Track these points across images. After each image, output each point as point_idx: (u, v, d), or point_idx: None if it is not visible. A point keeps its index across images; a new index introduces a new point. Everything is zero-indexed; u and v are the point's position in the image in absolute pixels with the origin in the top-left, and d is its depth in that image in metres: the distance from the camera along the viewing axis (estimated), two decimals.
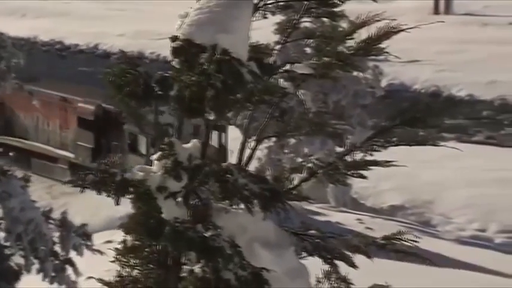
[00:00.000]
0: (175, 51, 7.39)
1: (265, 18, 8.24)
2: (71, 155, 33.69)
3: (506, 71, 48.38)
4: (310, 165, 9.25)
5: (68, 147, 33.98)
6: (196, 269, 7.43)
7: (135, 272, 7.88)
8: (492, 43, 53.74)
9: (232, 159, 29.98)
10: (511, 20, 59.47)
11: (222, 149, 30.94)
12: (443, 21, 59.42)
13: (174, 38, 7.41)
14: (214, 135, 30.10)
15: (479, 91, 47.11)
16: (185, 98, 7.24)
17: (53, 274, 18.48)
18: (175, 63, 7.45)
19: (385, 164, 8.86)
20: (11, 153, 32.63)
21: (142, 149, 30.34)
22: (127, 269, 7.91)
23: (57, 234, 18.81)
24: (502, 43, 53.74)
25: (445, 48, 52.35)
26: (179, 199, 7.51)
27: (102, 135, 32.43)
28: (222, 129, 30.80)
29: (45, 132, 35.01)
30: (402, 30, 8.69)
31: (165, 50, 7.56)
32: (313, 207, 31.88)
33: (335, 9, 8.47)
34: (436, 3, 62.50)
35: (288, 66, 8.48)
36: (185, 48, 7.31)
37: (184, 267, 7.64)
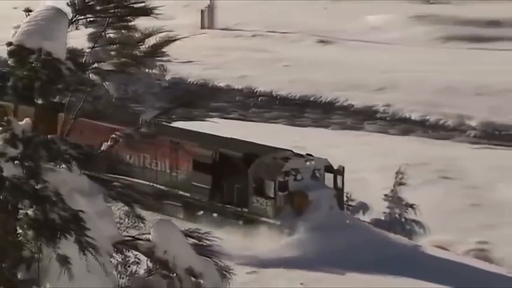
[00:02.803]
0: (11, 54, 7.33)
1: (78, 29, 8.11)
2: (185, 194, 26.37)
3: (251, 69, 49.09)
4: (113, 136, 9.22)
5: (179, 187, 26.68)
6: (30, 212, 7.22)
7: None
8: (241, 49, 54.36)
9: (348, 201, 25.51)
10: (254, 33, 60.29)
11: (339, 192, 25.27)
12: (206, 33, 59.91)
13: (9, 44, 7.36)
14: (329, 178, 25.34)
15: (233, 83, 47.61)
16: (19, 88, 7.22)
17: None
18: (10, 62, 7.35)
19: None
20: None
21: (270, 192, 24.67)
22: None
23: None
24: (249, 49, 54.47)
25: (210, 52, 52.65)
26: (16, 162, 7.29)
27: (222, 178, 25.72)
28: (338, 173, 25.33)
29: (153, 172, 27.70)
30: (178, 39, 8.81)
31: (4, 53, 7.43)
32: None
33: (129, 24, 8.43)
34: (203, 20, 62.71)
35: (96, 65, 8.42)
36: (18, 51, 7.26)
37: (21, 211, 7.41)
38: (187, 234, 8.36)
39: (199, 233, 8.59)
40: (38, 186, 7.29)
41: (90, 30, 8.72)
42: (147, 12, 8.26)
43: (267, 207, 24.66)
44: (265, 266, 22.73)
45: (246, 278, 21.38)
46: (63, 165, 7.49)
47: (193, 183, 26.26)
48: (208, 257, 8.07)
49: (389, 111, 41.67)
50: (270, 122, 41.51)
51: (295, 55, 52.15)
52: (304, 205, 24.32)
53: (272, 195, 24.62)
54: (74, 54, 8.00)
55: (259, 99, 46.03)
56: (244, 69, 49.40)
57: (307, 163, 25.00)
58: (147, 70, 9.42)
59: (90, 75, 8.41)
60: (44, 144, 7.30)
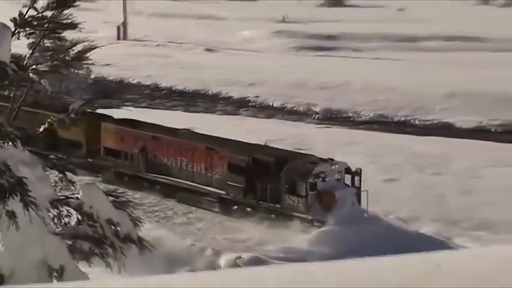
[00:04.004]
0: None
1: (19, 40, 7.83)
2: (221, 192, 23.75)
3: (156, 70, 48.52)
4: (49, 120, 8.95)
5: (213, 185, 23.99)
6: None
7: None
8: (148, 55, 53.62)
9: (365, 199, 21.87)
10: (157, 43, 59.48)
11: (358, 190, 22.64)
12: (121, 43, 58.75)
13: None
14: (348, 178, 22.74)
15: (143, 80, 46.97)
16: None
17: None
18: None
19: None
20: (157, 186, 24.52)
21: (302, 191, 22.17)
22: None
23: None
24: (154, 55, 53.77)
25: (124, 58, 51.69)
26: None
27: (254, 179, 22.89)
28: (355, 174, 22.78)
29: (189, 173, 24.50)
30: (98, 47, 8.60)
31: None
32: None
33: (60, 35, 8.20)
34: (118, 33, 61.59)
35: (35, 66, 8.14)
36: None
37: None
38: (108, 193, 8.22)
39: (117, 192, 8.47)
40: None
41: (30, 40, 8.46)
42: (73, 26, 8.07)
43: (299, 204, 22.30)
44: (298, 254, 20.31)
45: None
46: (10, 143, 7.23)
47: (228, 182, 23.51)
48: (123, 210, 7.97)
49: (257, 101, 42.03)
50: (171, 109, 41.17)
51: (188, 60, 51.92)
52: (332, 203, 22.05)
53: (304, 194, 22.21)
54: (17, 58, 7.75)
55: (162, 92, 45.60)
56: (150, 70, 48.84)
57: (332, 167, 22.81)
58: (75, 71, 9.15)
59: (30, 74, 8.13)
60: None
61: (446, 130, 35.25)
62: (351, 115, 38.59)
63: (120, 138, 25.94)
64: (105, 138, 26.14)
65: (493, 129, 35.35)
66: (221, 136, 25.57)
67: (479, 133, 34.50)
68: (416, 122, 37.20)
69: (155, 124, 26.62)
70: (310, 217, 22.13)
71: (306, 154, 23.99)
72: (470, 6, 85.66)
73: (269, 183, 22.46)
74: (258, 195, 22.87)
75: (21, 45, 8.49)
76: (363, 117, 38.20)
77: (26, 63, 7.94)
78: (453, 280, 3.76)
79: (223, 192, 23.68)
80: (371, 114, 38.30)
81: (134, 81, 46.69)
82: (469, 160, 27.59)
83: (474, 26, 60.85)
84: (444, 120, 36.69)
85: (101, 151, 26.13)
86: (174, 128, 26.21)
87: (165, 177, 24.72)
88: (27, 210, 6.91)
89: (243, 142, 25.07)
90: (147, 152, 25.36)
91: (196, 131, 26.57)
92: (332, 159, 23.18)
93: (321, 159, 23.18)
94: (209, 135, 25.76)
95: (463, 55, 51.04)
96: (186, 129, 26.36)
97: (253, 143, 25.17)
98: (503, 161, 27.73)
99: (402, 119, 37.62)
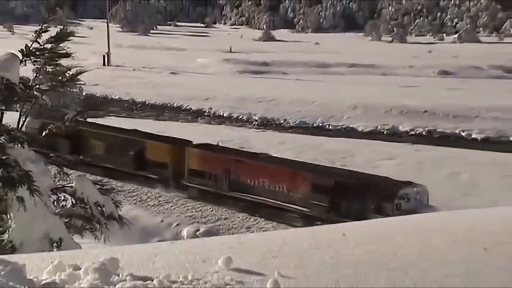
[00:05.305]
0: None
1: (26, 66, 7.66)
2: (304, 209, 20.16)
3: (133, 88, 47.85)
4: (49, 127, 8.70)
5: (296, 203, 20.31)
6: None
7: None
8: (126, 77, 52.78)
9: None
10: (134, 68, 58.61)
11: (432, 208, 18.65)
12: (105, 68, 57.63)
13: None
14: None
15: (123, 96, 46.24)
16: None
17: None
18: None
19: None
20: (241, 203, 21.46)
21: (389, 211, 18.68)
22: None
23: None
24: (131, 77, 52.98)
25: (108, 79, 50.72)
26: None
27: (338, 198, 19.42)
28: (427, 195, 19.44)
29: (272, 192, 20.83)
30: (87, 71, 8.47)
31: None
32: None
33: (57, 62, 8.06)
34: (103, 60, 60.59)
35: (38, 86, 7.95)
36: None
37: None
38: (95, 182, 8.12)
39: (102, 182, 8.37)
40: (4, 157, 6.86)
41: (34, 66, 8.27)
42: (67, 55, 7.95)
43: None
44: None
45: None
46: (19, 145, 7.08)
47: (311, 201, 20.05)
48: (107, 195, 7.89)
49: (211, 112, 41.95)
50: (144, 118, 40.59)
51: (158, 80, 51.48)
52: None
53: (391, 213, 18.78)
54: (24, 80, 7.57)
55: (138, 105, 44.98)
56: (128, 88, 48.15)
57: (414, 189, 19.52)
58: (70, 89, 8.96)
59: (35, 92, 7.95)
60: (7, 132, 6.88)
61: (351, 133, 36.03)
62: (281, 122, 38.98)
63: (204, 161, 22.73)
64: (191, 161, 22.93)
65: (384, 132, 36.33)
66: (301, 160, 22.59)
67: (374, 135, 35.43)
68: (329, 127, 37.92)
69: (233, 148, 23.76)
70: None
71: (384, 176, 20.57)
72: (367, 41, 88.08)
73: (353, 203, 19.36)
74: (342, 213, 19.49)
75: (27, 70, 8.31)
76: (290, 124, 38.65)
77: (31, 84, 7.77)
78: (355, 244, 3.91)
79: (306, 209, 20.38)
80: (296, 121, 38.83)
81: (116, 97, 45.85)
82: (368, 155, 28.26)
83: (370, 56, 62.47)
84: (349, 126, 37.51)
85: (186, 172, 22.94)
86: (253, 152, 23.29)
87: (249, 195, 21.51)
88: (33, 196, 6.79)
89: (323, 166, 21.98)
90: (230, 173, 22.00)
91: (273, 155, 23.26)
92: (411, 182, 19.85)
93: (398, 181, 19.91)
94: (287, 159, 22.52)
95: (362, 78, 52.30)
96: (264, 153, 23.11)
97: (332, 166, 22.23)
98: (392, 155, 28.53)
99: (319, 124, 38.27)
